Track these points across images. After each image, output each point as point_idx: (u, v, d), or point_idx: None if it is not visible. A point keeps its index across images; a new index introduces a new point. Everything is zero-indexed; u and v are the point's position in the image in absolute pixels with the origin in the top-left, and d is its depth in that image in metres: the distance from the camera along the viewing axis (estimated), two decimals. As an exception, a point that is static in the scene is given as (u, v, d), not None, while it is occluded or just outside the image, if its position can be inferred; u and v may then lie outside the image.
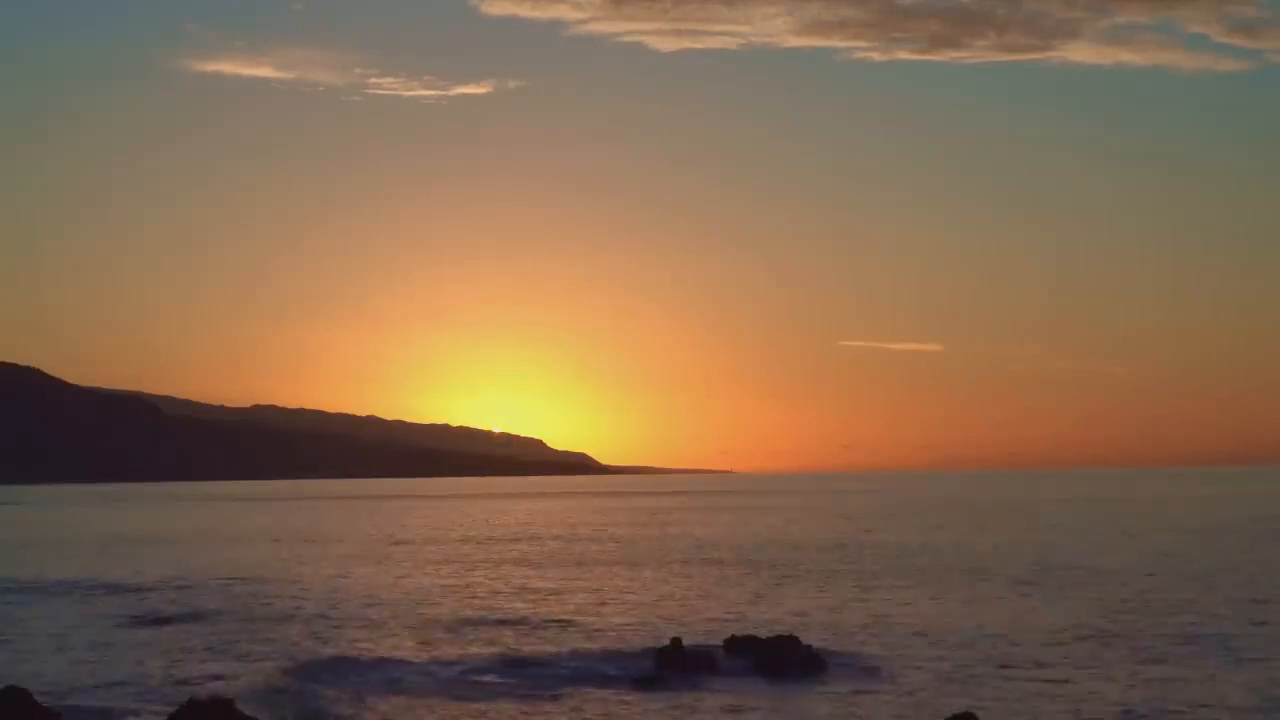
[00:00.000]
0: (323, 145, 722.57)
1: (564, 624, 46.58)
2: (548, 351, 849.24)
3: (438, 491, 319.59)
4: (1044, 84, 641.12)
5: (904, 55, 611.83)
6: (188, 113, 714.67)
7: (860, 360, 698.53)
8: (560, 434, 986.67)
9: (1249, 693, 32.58)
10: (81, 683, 35.73)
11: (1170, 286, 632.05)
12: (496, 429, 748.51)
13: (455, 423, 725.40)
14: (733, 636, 39.57)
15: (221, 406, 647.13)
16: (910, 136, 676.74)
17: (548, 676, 35.97)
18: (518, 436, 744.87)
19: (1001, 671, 35.66)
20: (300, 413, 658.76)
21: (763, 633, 40.00)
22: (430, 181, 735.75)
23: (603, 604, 53.12)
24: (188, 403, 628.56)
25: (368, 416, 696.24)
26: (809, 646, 37.57)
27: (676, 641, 37.50)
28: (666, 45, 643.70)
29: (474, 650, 40.33)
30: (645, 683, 35.01)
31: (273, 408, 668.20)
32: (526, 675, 36.16)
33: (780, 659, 36.54)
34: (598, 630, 44.68)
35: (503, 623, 47.14)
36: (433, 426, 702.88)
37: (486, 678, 35.95)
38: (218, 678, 35.58)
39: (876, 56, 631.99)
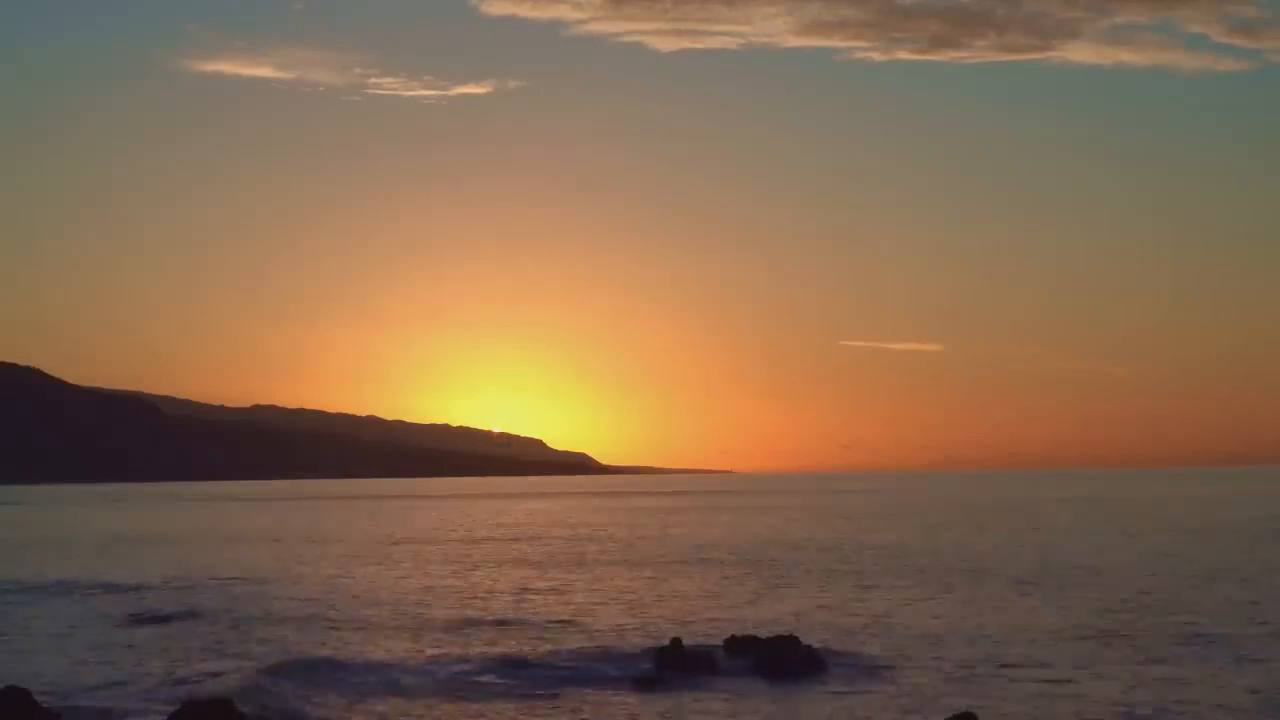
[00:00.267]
0: (323, 145, 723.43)
1: (564, 624, 46.56)
2: (548, 351, 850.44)
3: (438, 491, 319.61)
4: (1044, 84, 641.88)
5: (904, 55, 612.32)
6: (188, 113, 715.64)
7: (860, 360, 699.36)
8: (560, 434, 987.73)
9: (1249, 693, 32.57)
10: (81, 683, 35.69)
11: (1170, 286, 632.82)
12: (496, 429, 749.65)
13: (455, 423, 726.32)
14: (733, 636, 39.56)
15: (221, 406, 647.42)
16: (910, 136, 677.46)
17: (547, 677, 35.96)
18: (518, 436, 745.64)
19: (1002, 671, 35.65)
20: (300, 413, 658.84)
21: (763, 633, 39.98)
22: (430, 181, 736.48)
23: (603, 604, 53.10)
24: (188, 403, 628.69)
25: (368, 416, 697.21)
26: (809, 646, 37.55)
27: (676, 641, 37.48)
28: (666, 45, 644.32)
29: (473, 650, 40.31)
30: (645, 683, 34.99)
31: (273, 408, 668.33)
32: (526, 675, 36.14)
33: (780, 659, 36.53)
34: (598, 630, 44.67)
35: (502, 623, 47.13)
36: (433, 426, 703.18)
37: (486, 678, 35.93)
38: (217, 677, 35.54)
39: (876, 56, 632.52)
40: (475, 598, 56.38)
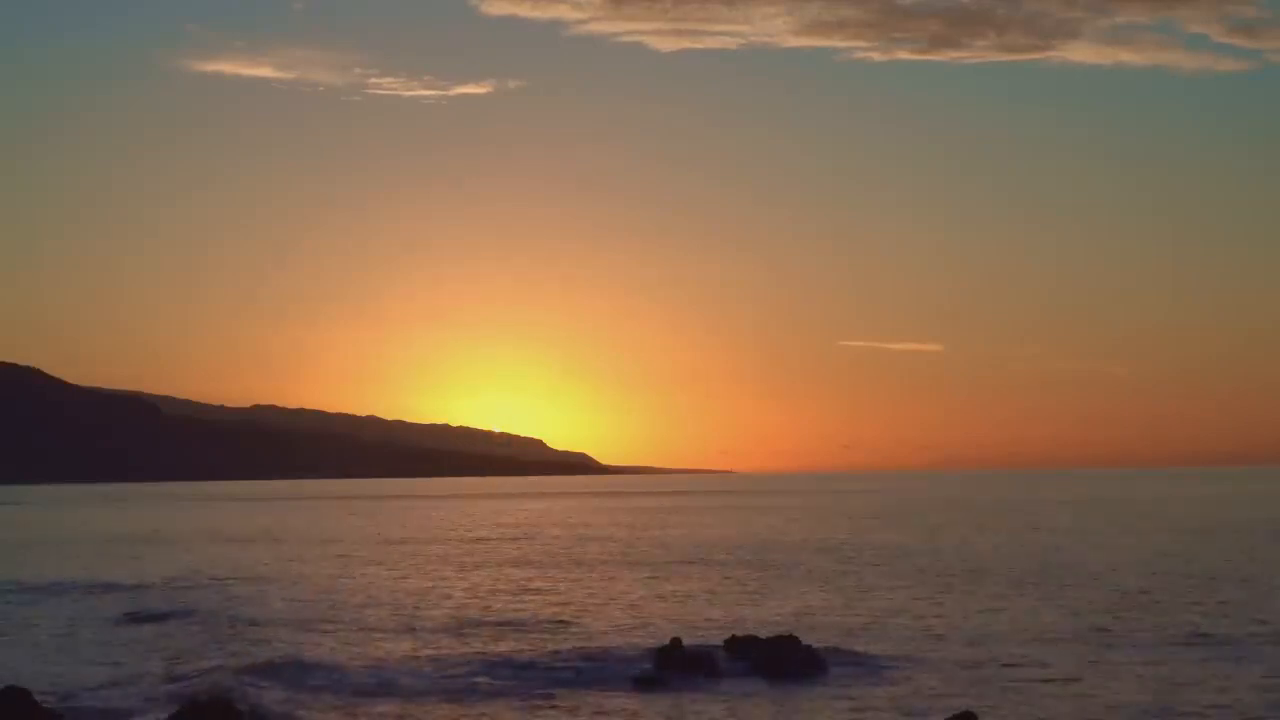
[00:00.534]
0: (323, 145, 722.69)
1: (564, 624, 46.55)
2: (548, 351, 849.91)
3: (438, 491, 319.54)
4: (1044, 84, 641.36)
5: (904, 55, 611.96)
6: (188, 113, 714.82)
7: (860, 360, 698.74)
8: (560, 434, 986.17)
9: (1249, 693, 32.57)
10: (82, 682, 35.68)
11: (1170, 286, 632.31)
12: (496, 429, 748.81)
13: (455, 423, 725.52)
14: (733, 636, 39.54)
15: (221, 406, 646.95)
16: (910, 136, 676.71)
17: (547, 677, 35.93)
18: (518, 436, 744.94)
19: (1002, 671, 35.65)
20: (300, 413, 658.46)
21: (763, 633, 39.96)
22: (430, 181, 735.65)
23: (603, 604, 53.09)
24: (188, 403, 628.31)
25: (368, 416, 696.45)
26: (809, 646, 37.52)
27: (676, 641, 37.46)
28: (666, 45, 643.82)
29: (473, 650, 40.29)
30: (645, 683, 34.97)
31: (273, 408, 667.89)
32: (526, 676, 36.12)
33: (780, 659, 36.51)
34: (598, 630, 44.66)
35: (502, 623, 47.11)
36: (433, 426, 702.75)
37: (485, 678, 35.90)
38: (217, 677, 35.52)
39: (876, 56, 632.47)
40: (475, 598, 56.36)
